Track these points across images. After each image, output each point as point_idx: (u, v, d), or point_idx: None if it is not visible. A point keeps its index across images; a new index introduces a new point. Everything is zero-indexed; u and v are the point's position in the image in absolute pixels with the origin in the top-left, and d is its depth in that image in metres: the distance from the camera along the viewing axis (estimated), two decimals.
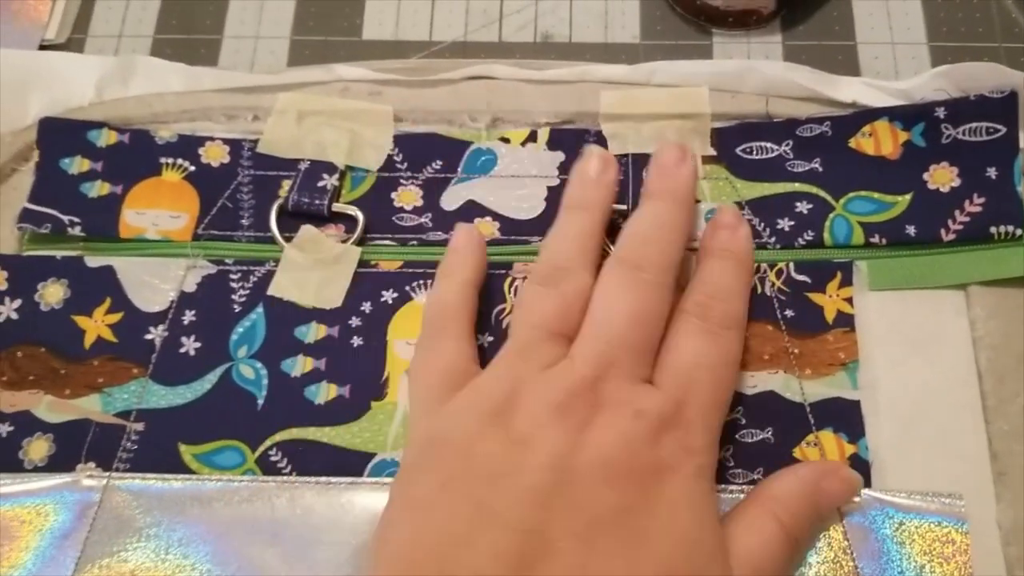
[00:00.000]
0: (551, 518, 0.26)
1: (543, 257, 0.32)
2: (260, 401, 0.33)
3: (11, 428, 0.33)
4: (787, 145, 0.36)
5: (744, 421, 0.32)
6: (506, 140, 0.37)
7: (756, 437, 0.32)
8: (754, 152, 0.36)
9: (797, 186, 0.35)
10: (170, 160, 0.37)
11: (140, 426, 0.33)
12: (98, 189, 0.36)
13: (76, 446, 0.33)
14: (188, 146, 0.37)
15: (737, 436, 0.32)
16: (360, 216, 0.36)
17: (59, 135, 0.37)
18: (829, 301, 0.34)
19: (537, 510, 0.26)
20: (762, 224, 0.35)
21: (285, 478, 0.32)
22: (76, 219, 0.36)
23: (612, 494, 0.26)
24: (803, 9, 0.40)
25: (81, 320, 0.35)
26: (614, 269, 0.31)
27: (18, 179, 0.37)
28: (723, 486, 0.31)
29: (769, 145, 0.36)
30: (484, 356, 0.33)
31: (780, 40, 0.39)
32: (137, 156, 0.37)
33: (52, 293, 0.35)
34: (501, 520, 0.26)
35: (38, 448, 0.33)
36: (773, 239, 0.35)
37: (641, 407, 0.28)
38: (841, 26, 0.39)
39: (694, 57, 0.39)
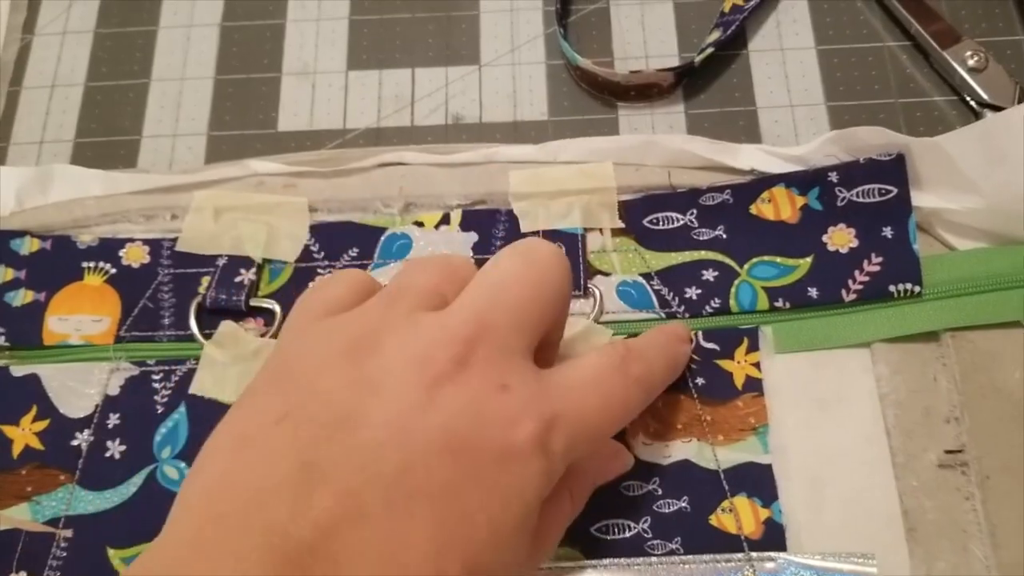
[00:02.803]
0: (374, 481, 0.23)
1: None
2: None
3: None
4: (691, 214, 0.37)
5: (660, 491, 0.33)
6: (420, 224, 0.38)
7: (673, 507, 0.33)
8: (660, 223, 0.37)
9: (703, 254, 0.36)
10: (92, 264, 0.38)
11: (68, 532, 0.33)
12: (22, 298, 0.37)
13: (6, 556, 0.33)
14: (109, 249, 0.38)
15: (655, 507, 0.33)
16: (277, 309, 0.36)
17: None
18: (738, 367, 0.34)
19: (360, 472, 0.23)
20: (671, 294, 0.36)
21: None
22: (0, 329, 0.36)
23: (445, 467, 0.24)
24: (703, 79, 0.41)
25: (8, 430, 0.35)
26: (512, 250, 0.29)
27: None
28: (642, 559, 0.32)
29: (674, 215, 0.37)
30: None
31: (683, 110, 0.40)
32: (59, 262, 0.38)
33: None
34: (322, 478, 0.23)
35: None
36: (682, 308, 0.35)
37: (509, 383, 0.26)
38: (741, 92, 0.40)
39: (601, 130, 0.40)
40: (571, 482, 0.30)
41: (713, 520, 0.32)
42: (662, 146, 0.37)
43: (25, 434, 0.35)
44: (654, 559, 0.32)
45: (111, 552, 0.33)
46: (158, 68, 0.43)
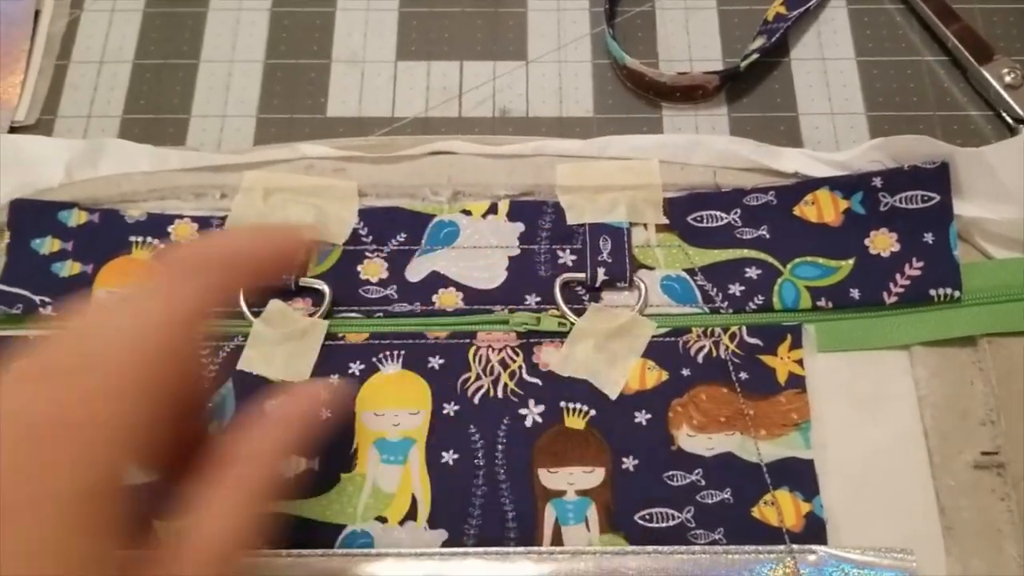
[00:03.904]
0: None
1: None
2: None
3: None
4: (735, 214, 0.38)
5: (704, 483, 0.33)
6: (467, 212, 0.38)
7: (716, 498, 0.33)
8: (704, 220, 0.38)
9: (746, 252, 0.37)
10: (140, 238, 0.38)
11: None
12: (69, 269, 0.37)
13: None
14: (157, 225, 0.38)
15: (698, 497, 0.33)
16: (327, 289, 0.37)
17: (30, 216, 0.38)
18: (781, 363, 0.35)
19: None
20: (715, 289, 0.37)
21: (257, 551, 0.33)
22: (47, 299, 0.36)
23: None
24: (746, 84, 0.42)
25: None
26: None
27: None
28: (685, 547, 0.32)
29: (718, 214, 0.38)
30: (450, 425, 0.34)
31: (726, 112, 0.41)
32: (107, 235, 0.38)
33: None
34: None
35: None
36: (725, 304, 0.36)
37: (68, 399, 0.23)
38: (783, 98, 0.41)
39: (645, 130, 0.41)
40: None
41: (755, 512, 0.33)
42: (708, 146, 0.38)
43: None
44: (697, 548, 0.32)
45: (161, 523, 0.33)
46: (207, 50, 0.43)
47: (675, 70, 0.41)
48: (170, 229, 0.38)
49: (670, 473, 0.34)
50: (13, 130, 0.41)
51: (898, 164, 0.37)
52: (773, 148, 0.38)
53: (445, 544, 0.33)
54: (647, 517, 0.33)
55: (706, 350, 0.36)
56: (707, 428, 0.34)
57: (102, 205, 0.39)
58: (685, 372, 0.35)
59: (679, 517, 0.33)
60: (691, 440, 0.34)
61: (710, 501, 0.33)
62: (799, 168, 0.38)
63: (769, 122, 0.41)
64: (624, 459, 0.34)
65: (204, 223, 0.38)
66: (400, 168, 0.39)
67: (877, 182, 0.36)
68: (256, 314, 0.36)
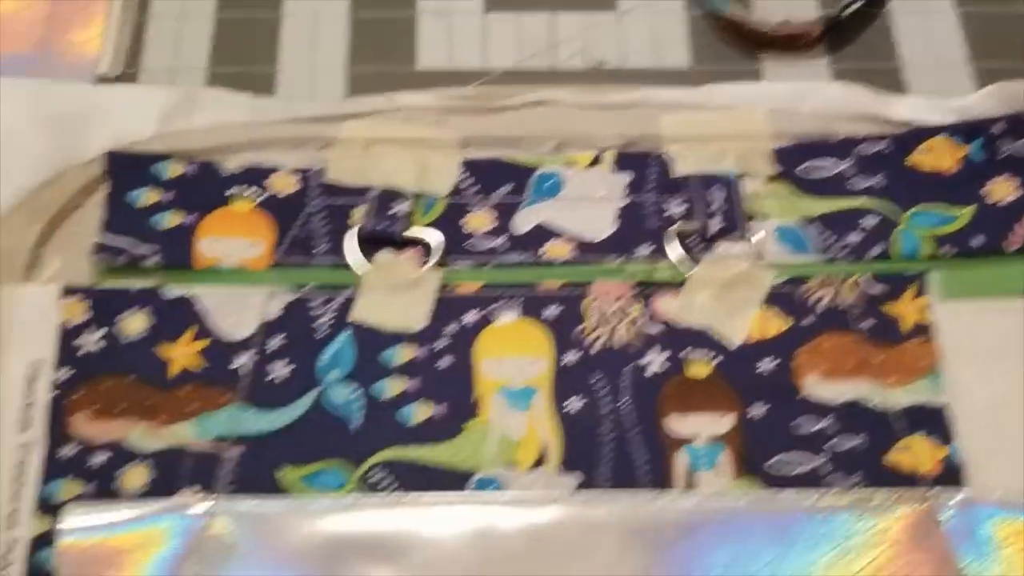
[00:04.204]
0: None
1: None
2: (356, 423, 0.33)
3: (105, 458, 0.33)
4: (847, 163, 0.37)
5: (835, 430, 0.33)
6: (572, 163, 0.38)
7: (848, 445, 0.33)
8: (815, 170, 0.37)
9: (862, 201, 0.37)
10: (238, 190, 0.37)
11: (238, 450, 0.33)
12: (169, 220, 0.36)
13: (175, 473, 0.32)
14: (254, 176, 0.37)
15: (829, 444, 0.33)
16: (438, 240, 0.36)
17: (126, 168, 0.37)
18: (906, 311, 0.35)
19: None
20: (831, 239, 0.36)
21: (391, 495, 0.32)
22: (151, 250, 0.36)
23: None
24: (846, 33, 0.41)
25: (166, 349, 0.34)
26: None
27: (82, 214, 0.37)
28: (822, 490, 0.32)
29: (829, 163, 0.37)
30: (572, 374, 0.34)
31: (826, 63, 0.41)
32: (204, 187, 0.37)
33: (134, 324, 0.35)
34: None
35: (135, 476, 0.32)
36: (843, 253, 0.36)
37: None
38: (884, 48, 0.41)
39: (742, 80, 0.40)
40: None
41: (889, 458, 0.33)
42: (818, 94, 0.38)
43: (184, 354, 0.34)
44: (833, 492, 0.32)
45: (284, 471, 0.32)
46: (291, 4, 0.42)
47: (776, 19, 0.41)
48: (267, 181, 0.37)
49: (799, 420, 0.33)
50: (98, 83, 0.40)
51: (1014, 111, 0.36)
52: (886, 95, 0.38)
53: (580, 488, 0.32)
54: (780, 463, 0.33)
55: (827, 299, 0.35)
56: (834, 376, 0.34)
57: (197, 157, 0.38)
58: (807, 321, 0.35)
59: (812, 463, 0.33)
60: (818, 388, 0.34)
61: (842, 448, 0.33)
62: (913, 116, 0.37)
63: (871, 73, 0.40)
64: (752, 406, 0.34)
65: (303, 175, 0.37)
66: (501, 119, 0.38)
67: (997, 129, 0.36)
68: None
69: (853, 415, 0.33)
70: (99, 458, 0.33)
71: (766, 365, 0.34)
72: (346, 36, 0.41)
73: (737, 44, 0.41)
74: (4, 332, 0.34)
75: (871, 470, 0.32)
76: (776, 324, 0.35)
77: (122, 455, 0.33)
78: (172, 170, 0.37)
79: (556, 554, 0.30)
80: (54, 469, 0.32)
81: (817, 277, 0.35)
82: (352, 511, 0.31)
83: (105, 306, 0.35)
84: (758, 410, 0.34)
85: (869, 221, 0.36)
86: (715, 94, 0.38)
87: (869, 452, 0.33)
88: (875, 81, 0.40)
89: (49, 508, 0.32)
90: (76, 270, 0.36)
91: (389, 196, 0.37)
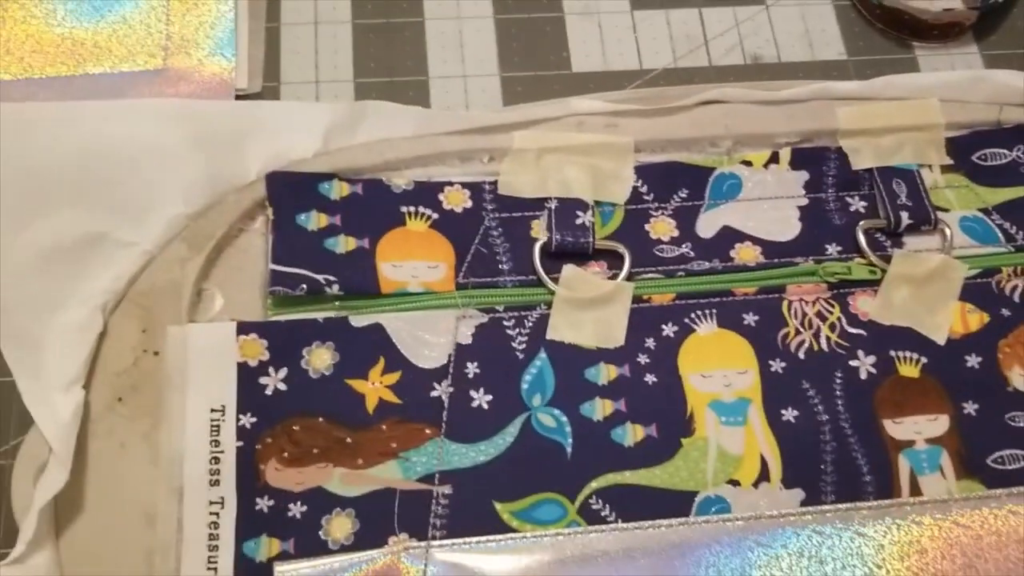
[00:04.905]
0: None
1: None
2: (568, 449, 0.32)
3: (304, 508, 0.31)
4: (1019, 150, 0.37)
5: None
6: (748, 163, 0.37)
7: None
8: (989, 159, 0.37)
9: None
10: (411, 208, 0.36)
11: (447, 488, 0.31)
12: (344, 244, 0.35)
13: (384, 517, 0.31)
14: (427, 193, 0.36)
15: None
16: (626, 252, 0.35)
17: (289, 190, 0.35)
18: None
19: None
20: (1014, 227, 0.36)
21: (614, 526, 0.31)
22: (331, 277, 0.34)
23: None
24: (995, 20, 0.41)
25: (358, 384, 0.33)
26: None
27: (246, 239, 0.35)
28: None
29: (1003, 151, 0.37)
30: (782, 382, 0.33)
31: (977, 50, 0.40)
32: (376, 207, 0.35)
33: (319, 358, 0.33)
34: None
35: (340, 525, 0.31)
36: None
37: None
38: None
39: (900, 70, 0.40)
40: None
41: None
42: (990, 81, 0.37)
43: (377, 388, 0.33)
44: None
45: (498, 507, 0.31)
46: (430, 7, 0.41)
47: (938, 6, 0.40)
48: (441, 197, 0.36)
49: (1012, 414, 0.33)
50: (239, 99, 0.38)
51: None
52: None
53: (804, 503, 0.32)
54: (999, 460, 0.33)
55: (1020, 288, 0.35)
56: None
57: (363, 175, 0.36)
58: (1006, 312, 0.35)
59: None
60: None
61: None
62: None
63: (1022, 58, 0.40)
64: (964, 404, 0.33)
65: (475, 189, 0.36)
66: (674, 120, 0.37)
67: None
68: (554, 280, 0.34)
69: None
70: (298, 510, 0.31)
71: (973, 360, 0.34)
72: (493, 38, 0.40)
73: (889, 33, 0.41)
74: (180, 378, 0.32)
75: None
76: (976, 318, 0.35)
77: (322, 504, 0.31)
78: (339, 190, 0.36)
79: None
80: (250, 526, 0.31)
81: (1008, 267, 0.35)
82: (573, 546, 0.30)
83: (286, 341, 0.33)
84: (970, 407, 0.33)
85: None
86: (889, 85, 0.38)
87: None
88: None
89: (250, 570, 0.30)
90: (243, 304, 0.34)
91: (570, 206, 0.36)
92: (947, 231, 0.36)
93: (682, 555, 0.31)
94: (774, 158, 0.37)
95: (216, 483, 0.31)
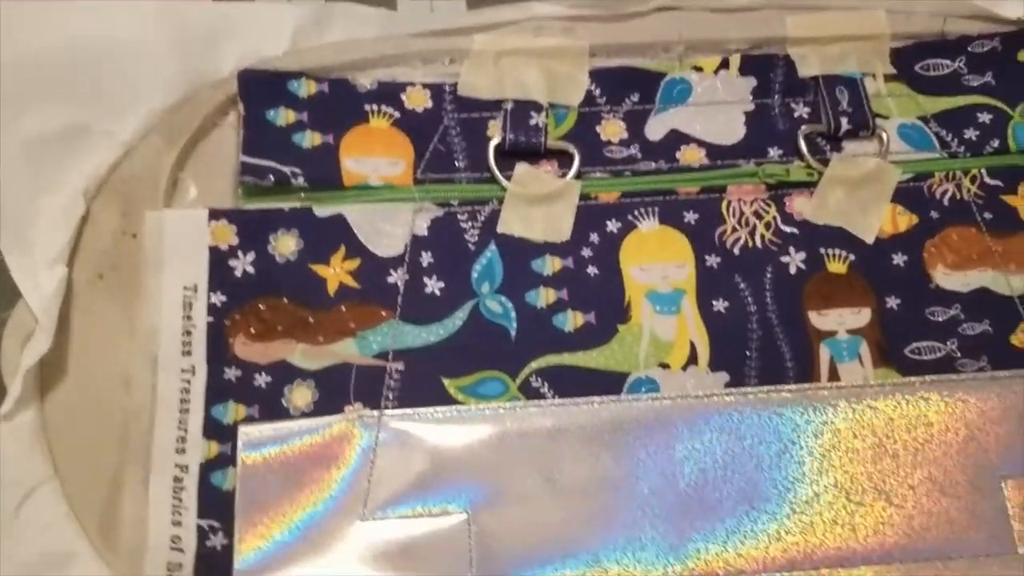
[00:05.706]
0: None
1: None
2: (512, 333, 0.35)
3: (269, 378, 0.34)
4: (960, 61, 0.39)
5: (963, 316, 0.35)
6: (699, 69, 0.39)
7: (976, 330, 0.35)
8: (931, 69, 0.39)
9: (975, 98, 0.38)
10: (375, 107, 0.38)
11: (400, 365, 0.34)
12: (311, 139, 0.37)
13: (341, 389, 0.34)
14: (390, 92, 0.38)
15: (959, 330, 0.35)
16: (576, 152, 0.37)
17: (260, 87, 0.37)
18: (1022, 202, 0.37)
19: None
20: (950, 135, 0.38)
21: (551, 401, 0.34)
22: (297, 170, 0.36)
23: None
24: None
25: (320, 269, 0.35)
26: None
27: (219, 133, 0.38)
28: (951, 376, 0.34)
29: (944, 62, 0.39)
30: (716, 276, 0.36)
31: None
32: (341, 105, 0.37)
33: (285, 244, 0.35)
34: None
35: (301, 395, 0.34)
36: (962, 148, 0.37)
37: None
38: None
39: None
40: None
41: (1014, 340, 0.35)
42: None
43: (338, 273, 0.35)
44: (964, 375, 0.34)
45: (446, 382, 0.34)
46: None
47: None
48: (403, 96, 0.38)
49: (931, 309, 0.36)
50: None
51: None
52: None
53: (728, 386, 0.34)
54: (916, 351, 0.35)
55: (950, 193, 0.37)
56: (961, 266, 0.36)
57: (331, 74, 0.38)
58: (934, 215, 0.37)
59: (944, 349, 0.35)
60: (947, 278, 0.36)
61: (971, 333, 0.35)
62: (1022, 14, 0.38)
63: None
64: (887, 299, 0.36)
65: (436, 90, 0.38)
66: (629, 26, 0.39)
67: None
68: (507, 178, 0.37)
69: (980, 302, 0.36)
70: (263, 379, 0.34)
71: (899, 258, 0.36)
72: None
73: None
74: (156, 259, 0.35)
75: (998, 352, 0.35)
76: (906, 219, 0.37)
77: (285, 375, 0.34)
78: (307, 88, 0.38)
79: None
80: (219, 393, 0.34)
81: (939, 172, 0.37)
82: (513, 419, 0.34)
83: (254, 228, 0.36)
84: (893, 302, 0.36)
85: (984, 117, 0.38)
86: None
87: (995, 336, 0.35)
88: None
89: (217, 432, 0.33)
90: (215, 193, 0.37)
91: (525, 108, 0.38)
92: (884, 136, 0.37)
93: (613, 430, 0.33)
94: (724, 64, 0.39)
95: (188, 353, 0.34)
